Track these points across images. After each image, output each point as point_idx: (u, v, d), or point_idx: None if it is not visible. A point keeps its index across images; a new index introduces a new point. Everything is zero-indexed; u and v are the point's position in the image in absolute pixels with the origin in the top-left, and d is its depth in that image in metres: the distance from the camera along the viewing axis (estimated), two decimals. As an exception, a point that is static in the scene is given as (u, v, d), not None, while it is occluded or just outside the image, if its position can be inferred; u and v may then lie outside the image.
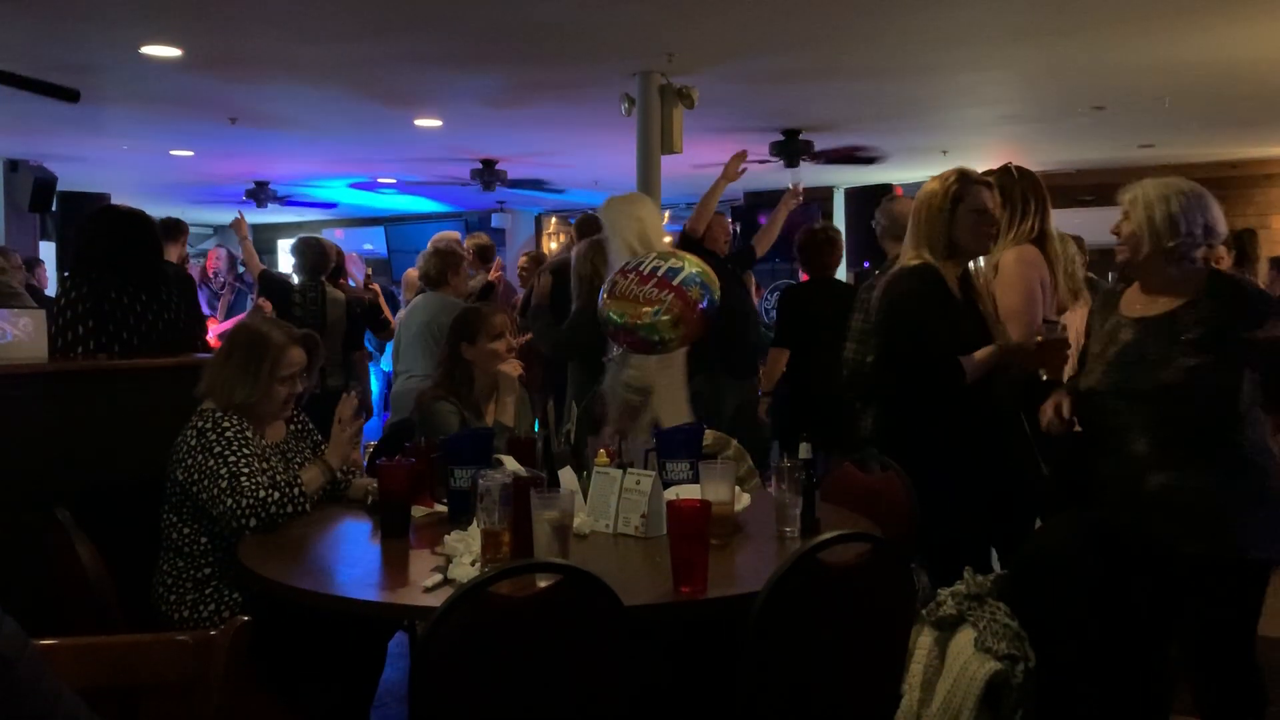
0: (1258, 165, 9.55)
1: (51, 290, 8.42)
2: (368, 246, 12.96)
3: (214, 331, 6.48)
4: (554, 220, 13.74)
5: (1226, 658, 2.72)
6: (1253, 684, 2.74)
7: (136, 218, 3.69)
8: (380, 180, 10.89)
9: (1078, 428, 2.84)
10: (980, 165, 3.20)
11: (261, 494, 2.55)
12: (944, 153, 8.84)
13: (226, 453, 2.59)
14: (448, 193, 11.55)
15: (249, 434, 2.68)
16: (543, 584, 1.88)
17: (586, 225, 5.81)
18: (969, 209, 3.04)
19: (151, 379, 3.25)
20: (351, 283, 6.90)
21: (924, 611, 2.69)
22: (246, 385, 2.71)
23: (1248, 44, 5.42)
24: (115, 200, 8.31)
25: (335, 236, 12.53)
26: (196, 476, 2.57)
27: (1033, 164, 10.36)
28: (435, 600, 1.91)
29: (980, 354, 2.96)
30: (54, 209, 9.14)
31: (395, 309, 7.54)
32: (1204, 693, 2.78)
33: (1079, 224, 4.42)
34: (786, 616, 1.94)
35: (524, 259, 7.15)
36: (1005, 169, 3.45)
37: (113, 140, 8.23)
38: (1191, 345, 2.57)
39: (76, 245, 3.70)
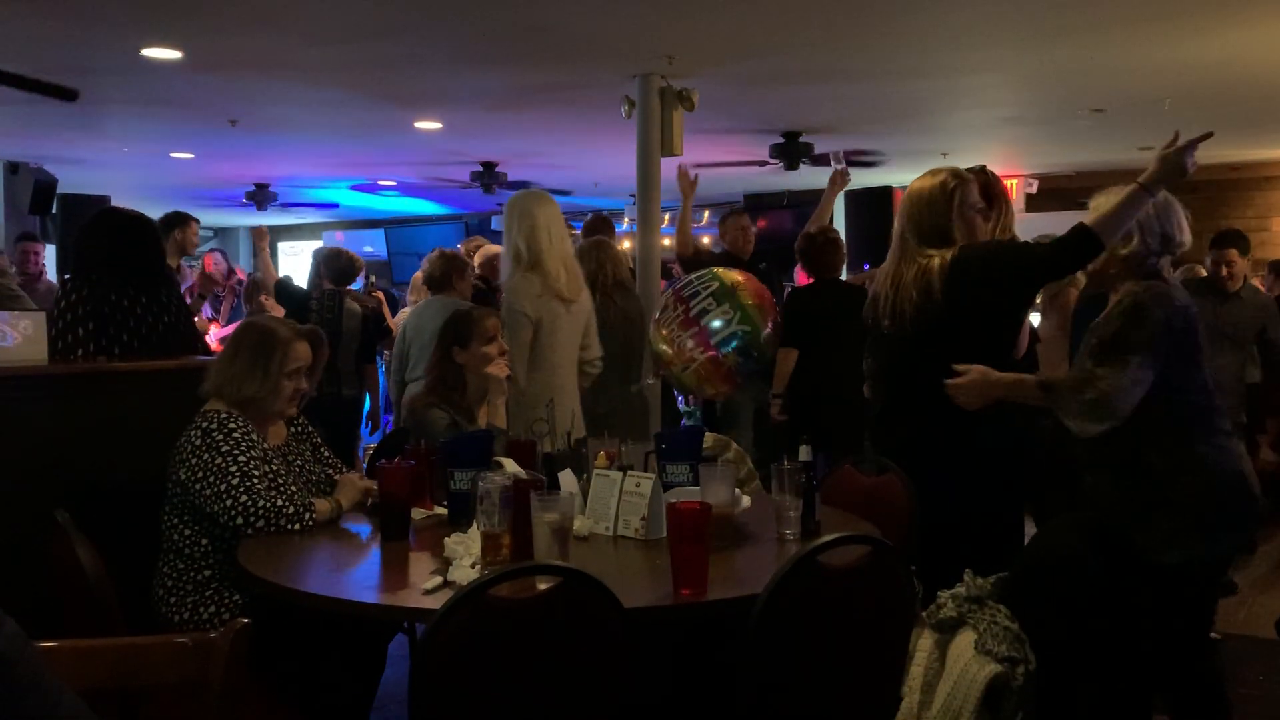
0: (1258, 167, 9.55)
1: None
2: (368, 249, 12.96)
3: (215, 335, 6.49)
4: (554, 222, 13.73)
5: (1173, 662, 2.74)
6: (1201, 692, 2.74)
7: (137, 220, 3.69)
8: (381, 183, 10.89)
9: None
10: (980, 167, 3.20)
11: (280, 502, 2.56)
12: (944, 155, 8.84)
13: (235, 452, 2.60)
14: (448, 195, 11.56)
15: (254, 436, 2.68)
16: (543, 586, 1.88)
17: (595, 226, 5.82)
18: (965, 205, 3.03)
19: (151, 381, 3.25)
20: (356, 285, 6.90)
21: (924, 614, 2.69)
22: (255, 380, 2.72)
23: (1247, 46, 5.42)
24: (115, 202, 8.32)
25: (335, 239, 12.54)
26: (201, 474, 2.57)
27: (1032, 167, 10.35)
28: (435, 602, 1.92)
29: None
30: (54, 211, 9.15)
31: (395, 310, 7.55)
32: (1166, 697, 2.81)
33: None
34: (787, 619, 1.94)
35: None
36: (981, 169, 3.47)
37: (113, 142, 8.23)
38: (1088, 355, 2.64)
39: (77, 247, 3.70)
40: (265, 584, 2.22)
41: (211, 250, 8.38)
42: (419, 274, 5.91)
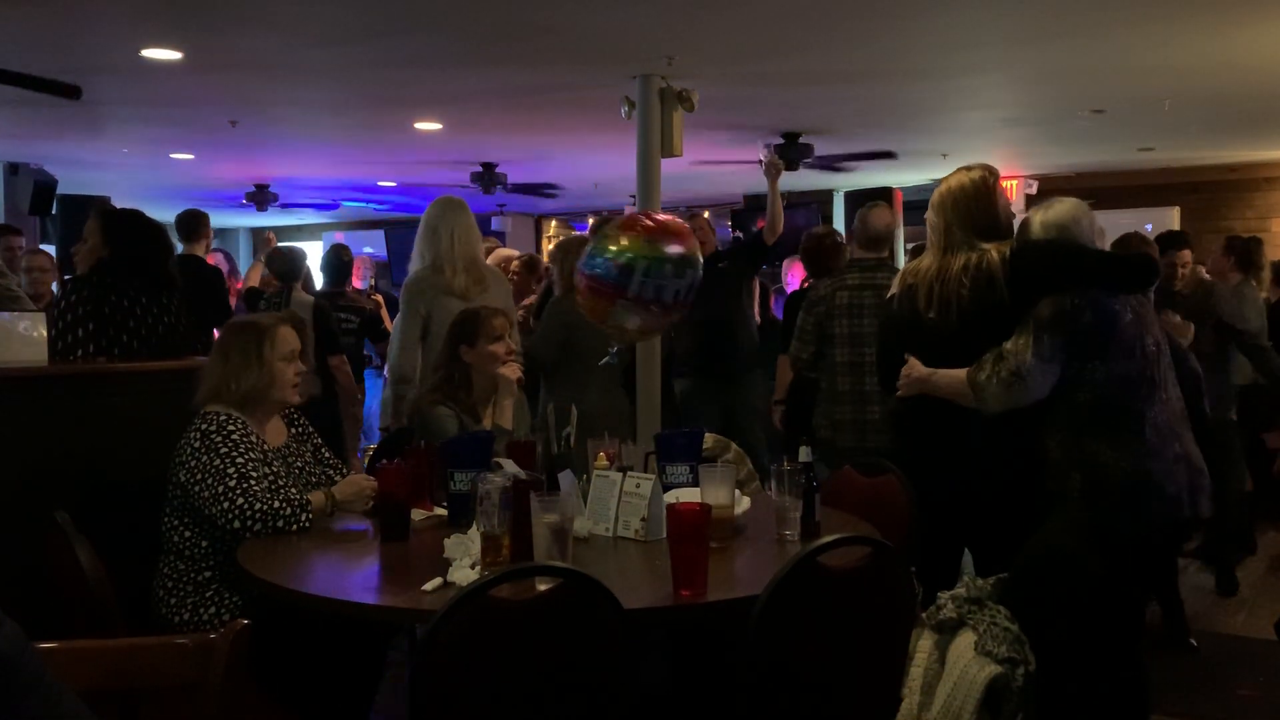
0: (1257, 168, 9.55)
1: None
2: (368, 250, 12.96)
3: None
4: (554, 223, 13.75)
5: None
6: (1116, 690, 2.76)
7: (139, 220, 3.68)
8: (380, 184, 10.89)
9: None
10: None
11: (276, 504, 2.55)
12: (944, 156, 8.84)
13: (234, 453, 2.60)
14: (448, 196, 11.54)
15: (253, 437, 2.68)
16: (543, 587, 1.88)
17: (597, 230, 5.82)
18: (1004, 202, 3.04)
19: (151, 382, 3.25)
20: (364, 284, 6.90)
21: (924, 615, 2.69)
22: (252, 371, 2.72)
23: (1247, 47, 5.42)
24: (115, 204, 8.31)
25: (335, 240, 12.52)
26: (200, 476, 2.57)
27: (1032, 168, 10.34)
28: (435, 603, 1.91)
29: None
30: (54, 212, 9.14)
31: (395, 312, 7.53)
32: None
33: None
34: (786, 620, 1.94)
35: (516, 264, 7.06)
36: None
37: (113, 143, 8.23)
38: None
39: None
40: (265, 585, 2.22)
41: (212, 251, 8.34)
42: None
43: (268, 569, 2.30)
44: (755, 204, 10.84)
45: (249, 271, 7.17)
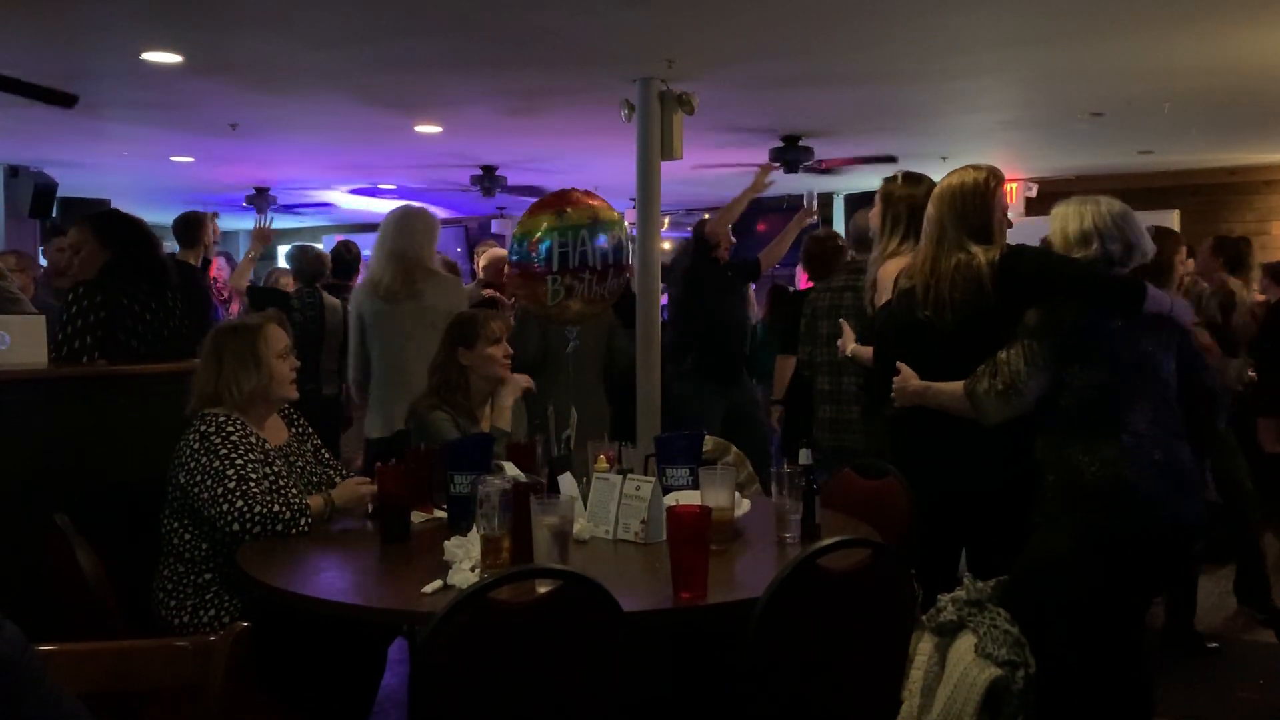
0: (1257, 171, 9.56)
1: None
2: (368, 253, 12.97)
3: None
4: (554, 226, 13.73)
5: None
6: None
7: (125, 219, 3.66)
8: (381, 186, 10.90)
9: None
10: None
11: (276, 508, 2.55)
12: (943, 159, 8.84)
13: (233, 455, 2.59)
14: (448, 198, 11.56)
15: (252, 439, 2.68)
16: (542, 590, 1.88)
17: None
18: (1003, 208, 3.00)
19: (150, 385, 3.25)
20: None
21: (924, 617, 2.68)
22: (250, 373, 2.72)
23: (1247, 50, 5.43)
24: (116, 206, 8.31)
25: (335, 242, 12.51)
26: (199, 478, 2.56)
27: (1032, 170, 10.34)
28: (435, 606, 1.91)
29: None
30: (54, 215, 9.15)
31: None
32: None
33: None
34: (786, 622, 1.94)
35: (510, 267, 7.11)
36: (892, 176, 3.58)
37: (113, 146, 8.23)
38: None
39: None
40: (265, 587, 2.22)
41: (216, 255, 8.30)
42: None
43: (267, 571, 2.30)
44: (755, 206, 10.85)
45: (241, 265, 7.12)
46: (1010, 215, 3.06)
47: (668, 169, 5.89)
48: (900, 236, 3.47)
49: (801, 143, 7.92)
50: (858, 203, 9.63)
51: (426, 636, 1.77)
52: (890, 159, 8.75)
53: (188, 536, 2.63)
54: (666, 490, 2.66)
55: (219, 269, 7.78)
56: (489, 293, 6.04)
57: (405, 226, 4.39)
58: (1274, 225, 9.50)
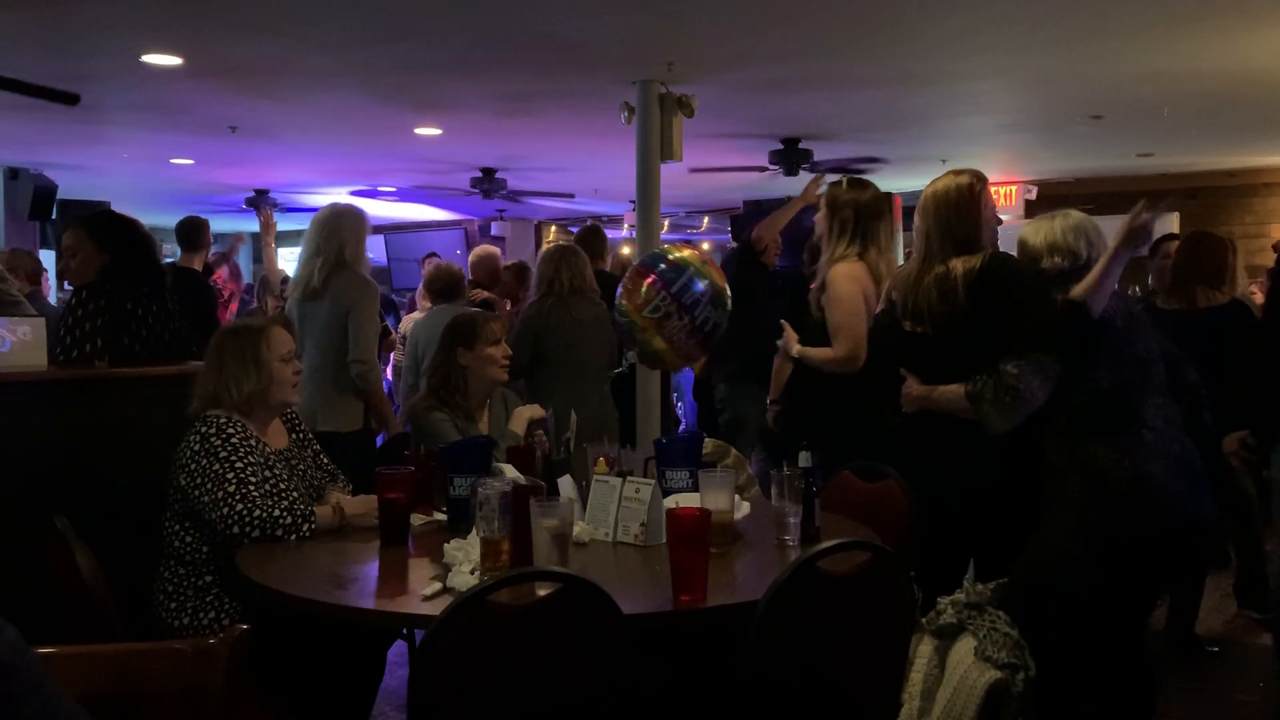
0: (1256, 174, 9.56)
1: (51, 298, 8.39)
2: (369, 254, 12.97)
3: None
4: (554, 229, 13.76)
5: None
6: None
7: (121, 220, 3.64)
8: (380, 188, 10.90)
9: None
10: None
11: (276, 513, 2.54)
12: (943, 161, 8.84)
13: (233, 458, 2.58)
14: (448, 201, 11.57)
15: (253, 441, 2.67)
16: (542, 592, 1.88)
17: (583, 237, 5.82)
18: (989, 211, 3.01)
19: (150, 387, 3.24)
20: None
21: (924, 620, 2.68)
22: (250, 375, 2.71)
23: (1246, 53, 5.43)
24: (115, 209, 8.30)
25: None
26: (200, 480, 2.56)
27: (1031, 173, 10.32)
28: (434, 609, 1.92)
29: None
30: (54, 217, 9.15)
31: (391, 315, 7.54)
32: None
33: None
34: (786, 625, 1.94)
35: (507, 272, 7.09)
36: (837, 181, 3.62)
37: (113, 148, 8.24)
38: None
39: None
40: (264, 590, 2.22)
41: (220, 266, 8.26)
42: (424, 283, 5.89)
43: (267, 574, 2.30)
44: (755, 209, 10.85)
45: (266, 255, 7.10)
46: (1010, 217, 3.10)
47: (667, 171, 5.90)
48: (848, 240, 3.55)
49: (801, 145, 7.93)
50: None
51: (426, 639, 1.77)
52: (887, 160, 8.76)
53: (189, 539, 2.63)
54: (666, 493, 2.66)
55: (224, 277, 7.74)
56: (478, 294, 6.01)
57: (337, 223, 4.27)
58: (1273, 228, 9.50)
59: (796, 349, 3.64)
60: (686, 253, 3.43)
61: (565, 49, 5.30)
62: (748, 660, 1.94)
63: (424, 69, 5.74)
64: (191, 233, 6.25)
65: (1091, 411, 2.73)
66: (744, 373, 5.35)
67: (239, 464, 2.58)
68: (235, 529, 2.51)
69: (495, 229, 12.99)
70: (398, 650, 3.24)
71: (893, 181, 9.77)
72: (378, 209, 12.57)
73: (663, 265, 3.32)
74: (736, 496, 2.63)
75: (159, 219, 10.75)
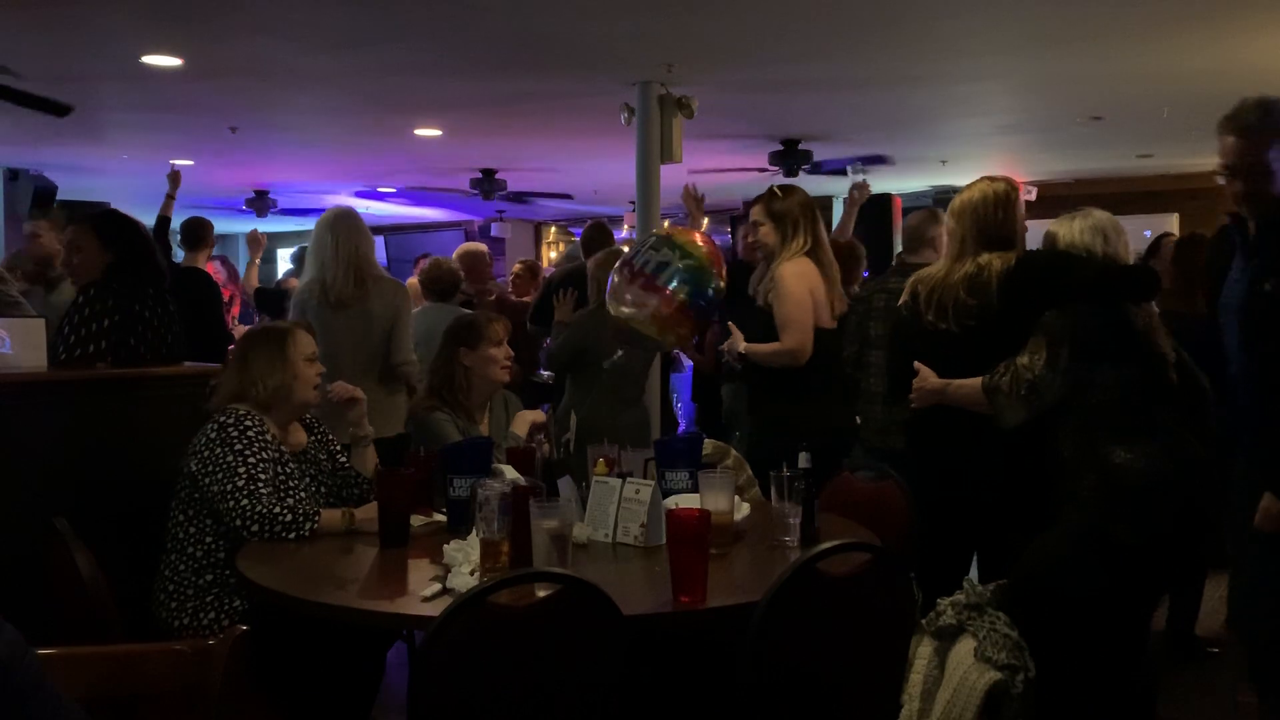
0: (1256, 175, 9.54)
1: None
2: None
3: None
4: (553, 229, 13.77)
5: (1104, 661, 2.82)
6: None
7: (127, 221, 3.63)
8: (381, 189, 10.91)
9: None
10: (980, 175, 3.23)
11: (278, 510, 2.56)
12: (943, 162, 8.86)
13: (247, 453, 2.61)
14: (448, 201, 11.57)
15: (269, 437, 2.69)
16: (542, 593, 1.88)
17: (593, 235, 5.82)
18: (1021, 216, 3.09)
19: (150, 388, 3.25)
20: None
21: (924, 621, 2.68)
22: (277, 371, 2.76)
23: (1246, 53, 5.43)
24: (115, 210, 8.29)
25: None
26: (211, 469, 2.58)
27: (1031, 174, 10.31)
28: (434, 610, 1.91)
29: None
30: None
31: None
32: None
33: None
34: (786, 626, 1.94)
35: (518, 267, 7.25)
36: (770, 192, 3.75)
37: (113, 149, 8.24)
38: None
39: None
40: (264, 591, 2.22)
41: (212, 259, 8.28)
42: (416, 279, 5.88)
43: (266, 574, 2.30)
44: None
45: (248, 271, 7.16)
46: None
47: (668, 172, 5.90)
48: (800, 240, 3.65)
49: (801, 146, 7.93)
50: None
51: (425, 640, 1.77)
52: (887, 160, 8.76)
53: (192, 530, 2.64)
54: (666, 494, 2.66)
55: (216, 271, 7.76)
56: (468, 287, 5.97)
57: (354, 226, 4.19)
58: (1273, 229, 9.48)
59: (743, 345, 3.69)
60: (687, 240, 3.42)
61: (565, 49, 5.30)
62: (748, 661, 1.94)
63: (424, 69, 5.74)
64: (196, 231, 6.25)
65: (1107, 409, 2.73)
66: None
67: (252, 459, 2.60)
68: (238, 522, 2.54)
69: (495, 229, 12.99)
70: (397, 651, 3.25)
71: (893, 182, 9.80)
72: (378, 209, 12.58)
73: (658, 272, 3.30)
74: (736, 497, 2.63)
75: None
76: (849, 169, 8.35)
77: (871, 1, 4.58)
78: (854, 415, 4.05)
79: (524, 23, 4.82)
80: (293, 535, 2.56)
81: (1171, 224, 9.22)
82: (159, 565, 2.69)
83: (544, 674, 1.83)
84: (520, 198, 10.23)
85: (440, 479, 2.76)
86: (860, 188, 6.23)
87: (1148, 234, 7.21)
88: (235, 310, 7.58)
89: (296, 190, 10.89)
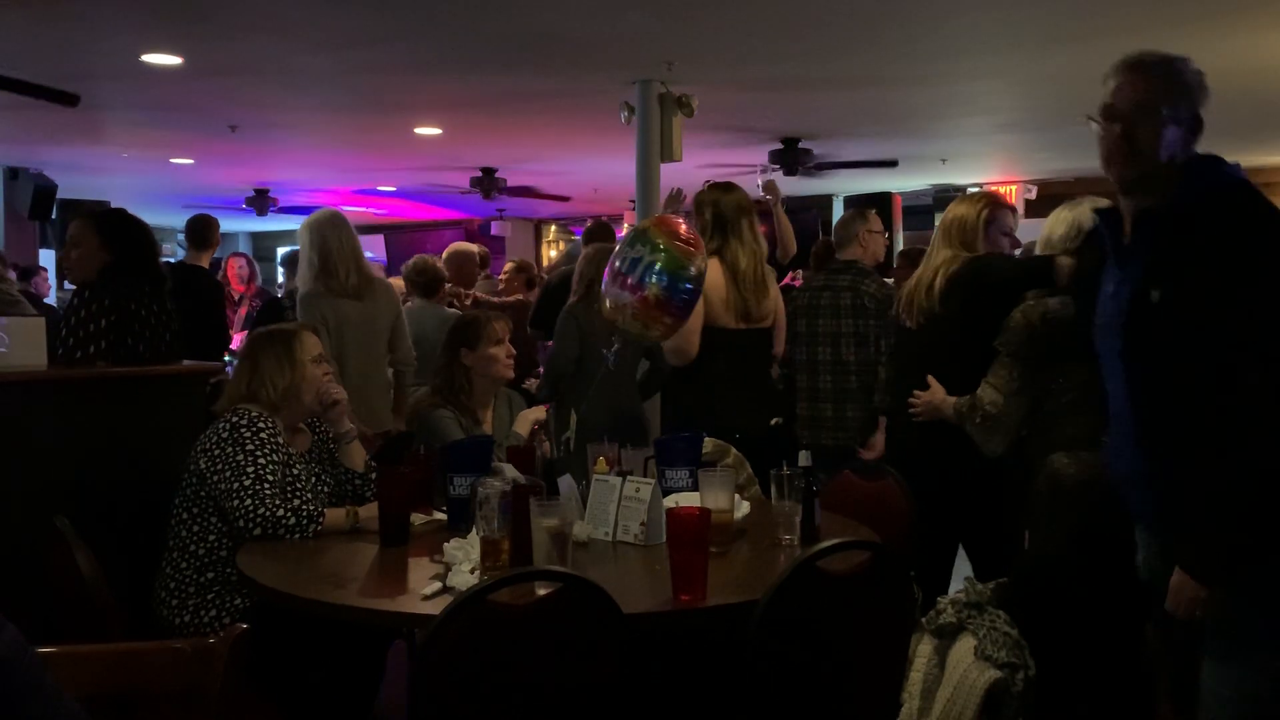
0: (1258, 174, 9.54)
1: (51, 298, 8.39)
2: (368, 254, 12.97)
3: (238, 342, 6.42)
4: (553, 228, 13.77)
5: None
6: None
7: (131, 220, 3.62)
8: (380, 188, 10.91)
9: None
10: (980, 174, 3.31)
11: (281, 513, 2.56)
12: (943, 161, 8.86)
13: (257, 453, 2.62)
14: (448, 201, 11.57)
15: (280, 439, 2.70)
16: (542, 592, 1.88)
17: (596, 233, 5.82)
18: (996, 227, 3.23)
19: (150, 387, 3.24)
20: None
21: (924, 620, 2.68)
22: (285, 372, 2.77)
23: (1246, 53, 5.44)
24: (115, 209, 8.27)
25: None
26: (220, 466, 2.59)
27: (1031, 172, 10.31)
28: (434, 608, 1.91)
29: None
30: (54, 217, 9.15)
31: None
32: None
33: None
34: (786, 625, 1.94)
35: (509, 266, 7.10)
36: (709, 184, 3.86)
37: (113, 148, 8.24)
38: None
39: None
40: (264, 590, 2.22)
41: (234, 255, 8.16)
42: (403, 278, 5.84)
43: (268, 572, 2.30)
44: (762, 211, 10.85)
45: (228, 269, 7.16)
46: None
47: (667, 170, 5.90)
48: (708, 238, 3.67)
49: (801, 145, 7.94)
50: (857, 204, 9.65)
51: (426, 639, 1.77)
52: (890, 163, 8.76)
53: (195, 527, 2.65)
54: (666, 492, 2.66)
55: (239, 269, 7.67)
56: (451, 289, 5.96)
57: (347, 225, 4.26)
58: (1274, 228, 9.49)
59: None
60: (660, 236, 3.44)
61: (565, 49, 5.30)
62: (747, 660, 1.94)
63: (424, 69, 5.75)
64: (202, 230, 6.24)
65: (1059, 413, 2.82)
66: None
67: (261, 459, 2.61)
68: (241, 522, 2.55)
69: (495, 229, 12.99)
70: (398, 650, 3.24)
71: (893, 181, 9.81)
72: (378, 209, 12.58)
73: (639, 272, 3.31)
74: (736, 496, 2.63)
75: (160, 219, 10.76)
76: (759, 169, 8.14)
77: (872, 1, 4.58)
78: (780, 415, 4.02)
79: (524, 22, 4.82)
80: (296, 537, 2.57)
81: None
82: (160, 562, 2.69)
83: (544, 672, 1.83)
84: (516, 196, 10.23)
85: (441, 477, 2.77)
86: (769, 188, 5.70)
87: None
88: (242, 312, 7.49)
89: (296, 189, 10.90)
